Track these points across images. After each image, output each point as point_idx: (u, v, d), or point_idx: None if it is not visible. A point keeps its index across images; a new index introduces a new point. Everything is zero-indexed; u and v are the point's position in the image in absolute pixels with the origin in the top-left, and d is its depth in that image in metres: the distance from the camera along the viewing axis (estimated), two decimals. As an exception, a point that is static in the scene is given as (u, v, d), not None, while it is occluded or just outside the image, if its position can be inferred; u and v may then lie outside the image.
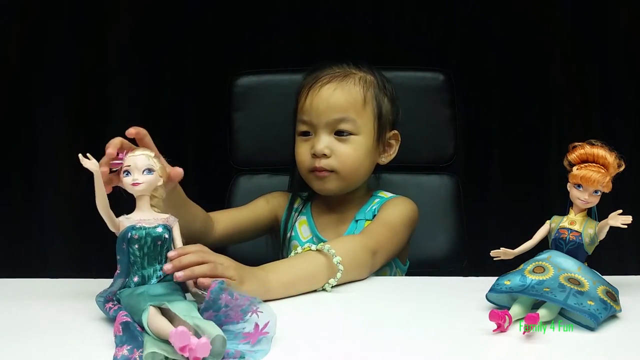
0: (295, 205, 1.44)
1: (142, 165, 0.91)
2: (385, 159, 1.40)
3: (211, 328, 0.80)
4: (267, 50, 1.97)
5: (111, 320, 0.88)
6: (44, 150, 1.96)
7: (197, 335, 0.79)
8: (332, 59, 1.40)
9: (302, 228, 1.41)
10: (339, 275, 1.10)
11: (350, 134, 1.34)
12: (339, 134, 1.34)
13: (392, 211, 1.34)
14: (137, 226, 0.90)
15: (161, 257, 0.92)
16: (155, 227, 0.91)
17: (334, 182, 1.34)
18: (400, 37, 1.97)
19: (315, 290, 1.08)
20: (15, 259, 1.93)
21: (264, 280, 1.02)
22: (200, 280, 0.91)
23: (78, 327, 0.92)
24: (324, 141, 1.33)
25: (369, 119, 1.35)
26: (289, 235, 1.41)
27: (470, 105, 1.94)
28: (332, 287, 1.09)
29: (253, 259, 1.31)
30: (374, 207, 1.37)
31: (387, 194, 1.41)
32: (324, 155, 1.33)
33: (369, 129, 1.35)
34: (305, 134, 1.36)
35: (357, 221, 1.36)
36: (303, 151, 1.36)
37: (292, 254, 1.15)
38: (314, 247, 1.12)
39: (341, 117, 1.33)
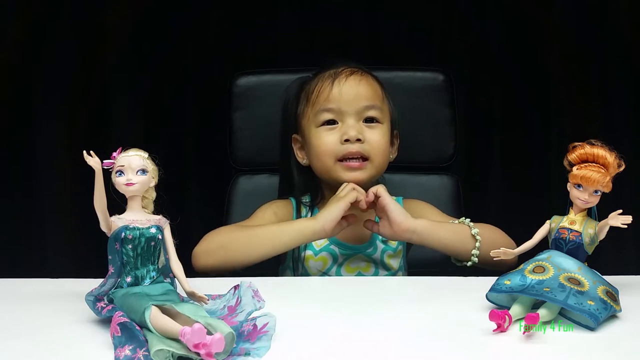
0: (303, 213, 1.40)
1: (137, 166, 0.91)
2: (392, 155, 1.41)
3: (223, 326, 0.81)
4: (267, 50, 1.97)
5: (107, 320, 0.88)
6: (44, 150, 1.96)
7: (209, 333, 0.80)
8: (339, 58, 1.40)
9: None
10: (477, 244, 1.25)
11: (378, 121, 1.35)
12: (368, 120, 1.34)
13: (438, 211, 1.41)
14: (131, 226, 0.90)
15: (154, 258, 0.92)
16: (149, 227, 0.91)
17: (367, 171, 1.33)
18: (400, 37, 1.97)
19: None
20: (15, 259, 1.93)
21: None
22: None
23: (78, 327, 0.92)
24: (356, 127, 1.33)
25: (387, 112, 1.37)
26: (302, 246, 1.35)
27: (470, 105, 1.94)
28: (477, 257, 1.25)
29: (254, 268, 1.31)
30: None
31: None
32: (358, 141, 1.32)
33: (387, 120, 1.37)
34: (331, 122, 1.34)
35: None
36: (330, 140, 1.34)
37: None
38: (456, 221, 1.29)
39: (370, 104, 1.34)
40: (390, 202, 1.25)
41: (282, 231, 1.27)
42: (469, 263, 1.26)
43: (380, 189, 1.27)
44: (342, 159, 1.33)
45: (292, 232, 1.26)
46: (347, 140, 1.32)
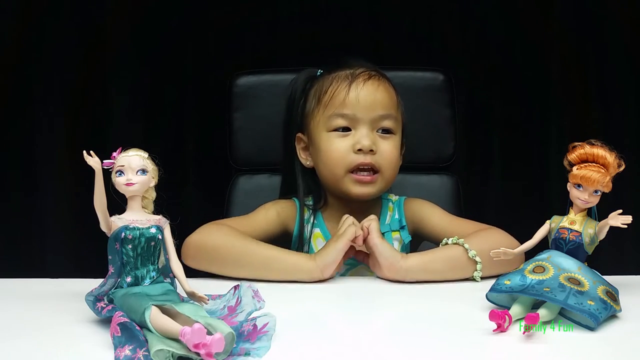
0: (305, 216, 1.35)
1: (136, 166, 0.91)
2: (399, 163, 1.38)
3: (223, 326, 0.81)
4: (267, 50, 1.97)
5: (107, 320, 0.88)
6: (44, 150, 1.96)
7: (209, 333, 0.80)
8: (350, 56, 1.36)
9: (317, 242, 1.34)
10: (479, 266, 1.15)
11: (392, 132, 1.31)
12: (382, 131, 1.30)
13: (440, 210, 1.37)
14: (131, 226, 0.90)
15: (154, 258, 0.91)
16: (149, 227, 0.91)
17: (376, 185, 1.29)
18: (400, 36, 1.97)
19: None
20: (15, 259, 1.93)
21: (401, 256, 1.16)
22: None
23: (78, 327, 0.92)
24: (370, 136, 1.28)
25: (400, 121, 1.34)
26: (304, 250, 1.33)
27: (470, 105, 1.94)
28: (479, 278, 1.15)
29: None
30: (396, 218, 1.35)
31: (393, 196, 1.40)
32: (371, 151, 1.27)
33: (400, 130, 1.34)
34: (345, 129, 1.29)
35: (383, 234, 1.25)
36: (341, 147, 1.28)
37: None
38: (450, 240, 1.19)
39: (386, 113, 1.30)
40: (378, 244, 1.17)
41: (276, 261, 1.17)
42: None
43: (373, 225, 1.18)
44: (353, 170, 1.28)
45: (285, 267, 1.16)
46: (359, 150, 1.27)
